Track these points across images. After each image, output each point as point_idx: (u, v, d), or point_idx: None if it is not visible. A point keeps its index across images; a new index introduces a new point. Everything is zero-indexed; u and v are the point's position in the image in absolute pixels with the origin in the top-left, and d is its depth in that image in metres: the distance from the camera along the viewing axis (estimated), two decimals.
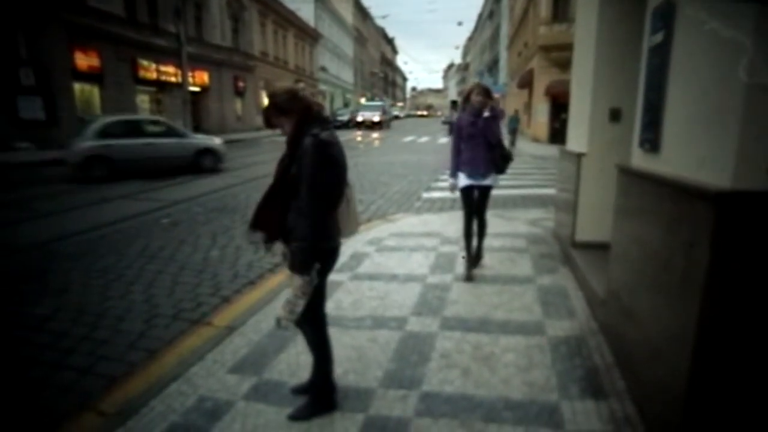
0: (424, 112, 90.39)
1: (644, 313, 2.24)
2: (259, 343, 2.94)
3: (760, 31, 1.53)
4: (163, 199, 8.00)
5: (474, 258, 4.13)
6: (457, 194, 4.15)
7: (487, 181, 3.96)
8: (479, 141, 3.87)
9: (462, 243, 5.06)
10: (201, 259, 4.77)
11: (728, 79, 1.65)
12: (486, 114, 3.85)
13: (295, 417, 2.21)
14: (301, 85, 2.31)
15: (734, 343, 1.69)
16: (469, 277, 3.94)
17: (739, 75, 1.59)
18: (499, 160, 3.91)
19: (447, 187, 4.33)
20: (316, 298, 2.10)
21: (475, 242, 4.15)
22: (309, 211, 1.93)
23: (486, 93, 3.95)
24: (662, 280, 2.02)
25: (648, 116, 2.38)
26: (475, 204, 4.04)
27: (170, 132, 11.22)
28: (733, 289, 1.65)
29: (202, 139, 12.05)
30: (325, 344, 2.26)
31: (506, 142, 4.23)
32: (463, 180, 3.97)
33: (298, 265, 1.94)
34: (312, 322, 2.18)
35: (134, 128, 10.72)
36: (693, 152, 1.91)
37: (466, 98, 4.04)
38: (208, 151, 11.45)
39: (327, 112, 2.57)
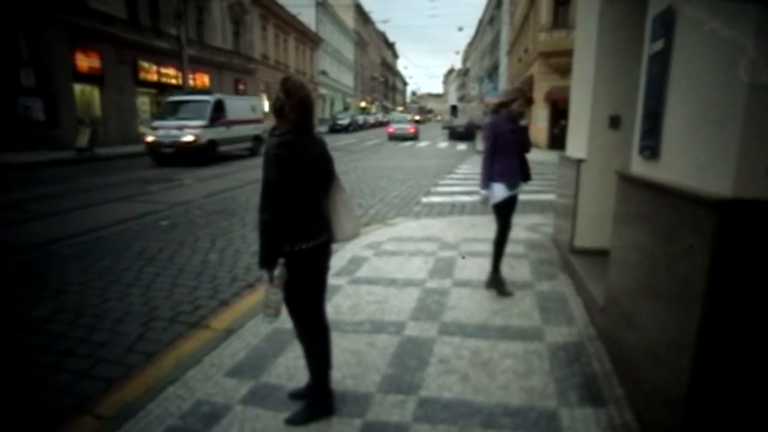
0: (417, 117, 65.02)
1: (643, 320, 2.24)
2: (257, 346, 2.93)
3: (761, 32, 1.54)
4: (161, 201, 7.99)
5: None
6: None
7: (519, 189, 3.82)
8: (515, 150, 3.69)
9: (462, 248, 5.06)
10: (199, 262, 4.76)
11: (729, 85, 1.66)
12: (523, 122, 3.72)
13: (293, 421, 2.20)
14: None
15: (734, 350, 1.69)
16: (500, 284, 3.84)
17: (739, 78, 1.60)
18: (525, 168, 3.81)
19: (479, 200, 3.87)
20: (302, 300, 2.14)
21: (485, 247, 4.02)
22: (262, 209, 1.97)
23: (529, 103, 3.79)
24: (662, 287, 2.02)
25: (648, 123, 2.39)
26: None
27: None
28: (734, 296, 1.66)
29: None
30: (313, 349, 2.23)
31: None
32: (503, 192, 3.69)
33: (258, 260, 2.04)
34: (301, 323, 2.21)
35: None
36: (693, 159, 1.92)
37: (506, 103, 3.71)
38: None
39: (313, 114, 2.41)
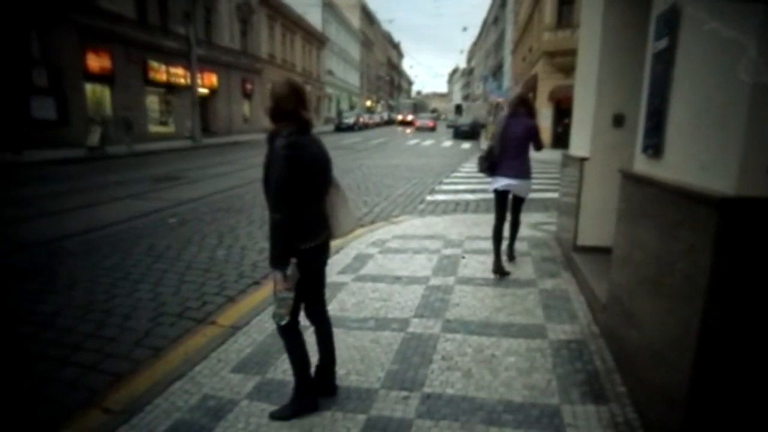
0: (409, 117, 48.42)
1: (646, 318, 2.25)
2: (262, 342, 2.97)
3: (762, 32, 1.54)
4: (169, 198, 8.06)
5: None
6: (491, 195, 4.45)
7: None
8: None
9: (465, 245, 5.08)
10: (207, 259, 4.81)
11: (732, 84, 1.66)
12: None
13: (276, 416, 2.22)
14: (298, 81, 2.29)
15: (736, 348, 1.70)
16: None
17: (740, 78, 1.60)
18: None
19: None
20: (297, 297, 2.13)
21: (489, 245, 4.42)
22: (273, 209, 2.01)
23: None
24: (664, 285, 2.03)
25: (651, 121, 2.39)
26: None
27: None
28: (736, 294, 1.66)
29: None
30: (290, 348, 2.26)
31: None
32: None
33: (270, 260, 2.07)
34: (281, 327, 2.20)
35: None
36: (696, 157, 1.92)
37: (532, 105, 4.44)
38: None
39: (311, 114, 2.40)
